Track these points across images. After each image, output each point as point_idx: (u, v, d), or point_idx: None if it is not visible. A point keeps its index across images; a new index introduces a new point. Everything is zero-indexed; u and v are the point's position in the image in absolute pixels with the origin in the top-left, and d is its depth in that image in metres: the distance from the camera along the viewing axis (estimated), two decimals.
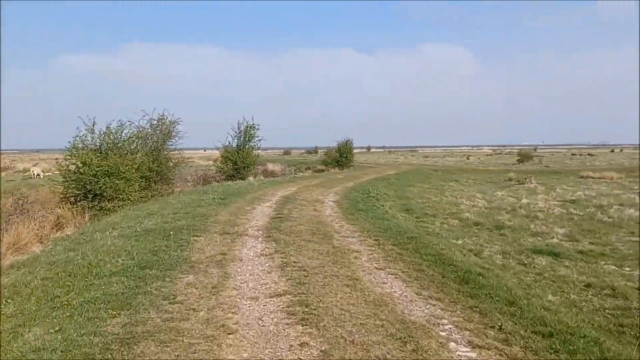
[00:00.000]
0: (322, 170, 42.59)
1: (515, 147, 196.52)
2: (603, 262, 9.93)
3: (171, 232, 9.70)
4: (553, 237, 12.30)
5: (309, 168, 50.27)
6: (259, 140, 29.44)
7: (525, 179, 31.68)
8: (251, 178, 25.91)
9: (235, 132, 28.96)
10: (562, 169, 48.45)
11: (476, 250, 10.45)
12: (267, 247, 8.78)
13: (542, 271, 9.05)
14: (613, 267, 9.56)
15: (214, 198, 15.90)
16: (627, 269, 9.48)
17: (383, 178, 28.75)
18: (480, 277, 6.94)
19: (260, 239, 9.51)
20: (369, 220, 12.42)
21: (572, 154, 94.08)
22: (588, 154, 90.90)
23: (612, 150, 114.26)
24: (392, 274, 7.20)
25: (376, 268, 7.54)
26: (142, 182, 18.00)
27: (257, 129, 29.14)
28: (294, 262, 7.69)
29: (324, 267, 7.42)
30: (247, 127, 29.03)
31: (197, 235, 9.59)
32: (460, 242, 11.25)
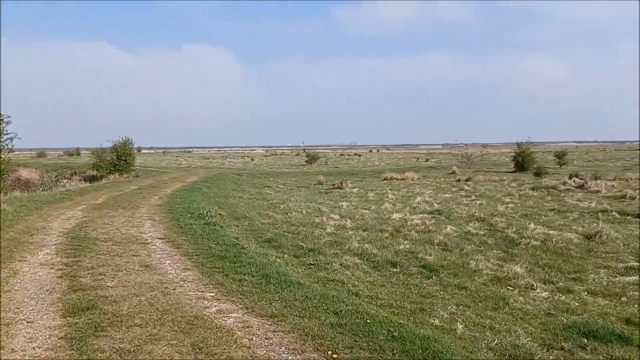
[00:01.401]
0: (96, 178, 33.54)
1: (283, 148, 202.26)
2: None
3: None
4: (535, 287, 7.86)
5: (76, 174, 40.04)
6: (11, 138, 20.03)
7: (342, 182, 28.19)
8: None
9: None
10: (350, 170, 47.29)
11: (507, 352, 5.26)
12: None
13: None
14: None
15: None
16: None
17: (191, 188, 22.09)
18: None
19: None
20: (267, 288, 6.35)
21: (341, 154, 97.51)
22: (355, 154, 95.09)
23: (370, 151, 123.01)
24: None
25: None
26: None
27: (8, 123, 19.69)
28: None
29: None
30: None
31: None
32: (451, 327, 5.93)
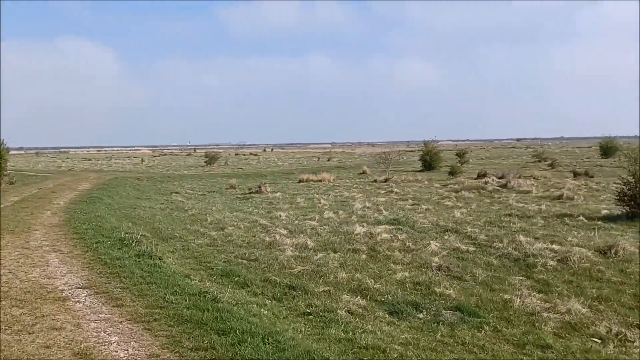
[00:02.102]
0: None
1: (170, 148, 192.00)
2: None
3: None
4: (630, 338, 5.96)
5: None
6: None
7: (260, 186, 25.41)
8: None
9: None
10: (257, 171, 44.46)
11: None
12: None
13: None
14: None
15: None
16: None
17: (89, 197, 18.12)
18: None
19: None
20: None
21: (236, 154, 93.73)
22: (251, 154, 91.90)
23: (264, 150, 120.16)
24: None
25: None
26: None
27: None
28: None
29: None
30: None
31: None
32: None
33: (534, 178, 29.87)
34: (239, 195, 23.73)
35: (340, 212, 16.71)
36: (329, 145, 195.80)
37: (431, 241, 11.08)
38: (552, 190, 22.33)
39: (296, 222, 14.72)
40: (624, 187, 14.14)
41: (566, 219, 14.09)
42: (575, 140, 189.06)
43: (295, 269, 9.02)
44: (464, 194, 21.23)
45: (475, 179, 30.06)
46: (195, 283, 7.24)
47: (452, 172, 32.76)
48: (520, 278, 8.33)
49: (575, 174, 31.58)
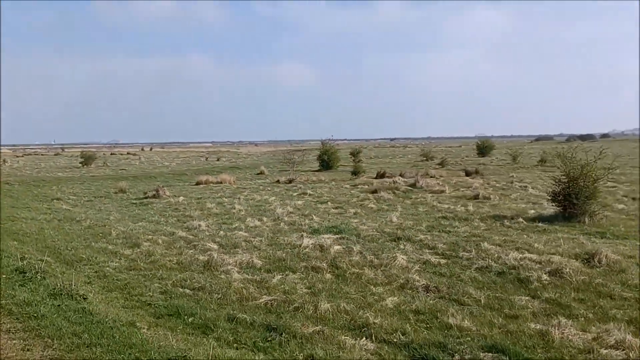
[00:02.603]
0: None
1: (33, 147, 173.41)
2: None
3: None
4: None
5: None
6: None
7: (158, 190, 22.56)
8: None
9: None
10: (144, 173, 40.56)
11: None
12: None
13: None
14: None
15: None
16: None
17: None
18: None
19: None
20: None
21: (112, 154, 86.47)
22: (129, 153, 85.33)
23: (143, 149, 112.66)
24: None
25: None
26: None
27: None
28: None
29: None
30: None
31: None
32: None
33: (431, 177, 30.02)
34: (133, 201, 20.77)
35: (265, 219, 14.87)
36: (210, 144, 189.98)
37: (397, 254, 9.71)
38: (462, 189, 22.27)
39: (222, 232, 12.64)
40: (557, 187, 13.98)
41: (505, 221, 13.57)
42: (441, 140, 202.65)
43: (260, 300, 7.14)
44: (383, 195, 20.34)
45: (375, 178, 29.67)
46: (151, 337, 5.12)
47: (355, 172, 32.09)
48: (526, 298, 7.22)
49: (468, 173, 32.20)
